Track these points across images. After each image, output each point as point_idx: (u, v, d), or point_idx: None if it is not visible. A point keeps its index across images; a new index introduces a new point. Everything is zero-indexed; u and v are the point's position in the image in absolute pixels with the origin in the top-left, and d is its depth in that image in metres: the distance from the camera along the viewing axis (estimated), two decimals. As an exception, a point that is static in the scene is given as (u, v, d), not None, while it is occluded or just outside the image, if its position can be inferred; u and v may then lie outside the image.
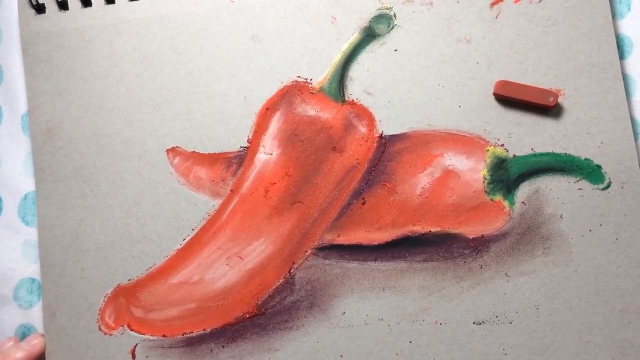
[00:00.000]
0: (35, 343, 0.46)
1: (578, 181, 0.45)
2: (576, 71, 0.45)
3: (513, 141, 0.45)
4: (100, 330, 0.46)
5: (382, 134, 0.46)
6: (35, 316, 0.48)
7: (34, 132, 0.48)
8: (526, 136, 0.45)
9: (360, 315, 0.45)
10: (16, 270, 0.48)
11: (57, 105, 0.48)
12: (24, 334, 0.48)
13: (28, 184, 0.49)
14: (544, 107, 0.45)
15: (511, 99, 0.45)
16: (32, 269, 0.48)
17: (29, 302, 0.48)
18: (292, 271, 0.46)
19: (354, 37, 0.47)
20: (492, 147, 0.46)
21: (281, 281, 0.46)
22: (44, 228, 0.47)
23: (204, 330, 0.46)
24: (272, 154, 0.47)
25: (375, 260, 0.46)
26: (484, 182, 0.45)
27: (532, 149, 0.45)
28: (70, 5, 0.49)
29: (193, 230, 0.47)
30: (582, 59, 0.46)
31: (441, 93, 0.46)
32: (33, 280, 0.48)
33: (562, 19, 0.46)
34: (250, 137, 0.47)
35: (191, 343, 0.46)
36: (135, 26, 0.48)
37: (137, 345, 0.46)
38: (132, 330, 0.46)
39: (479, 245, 0.45)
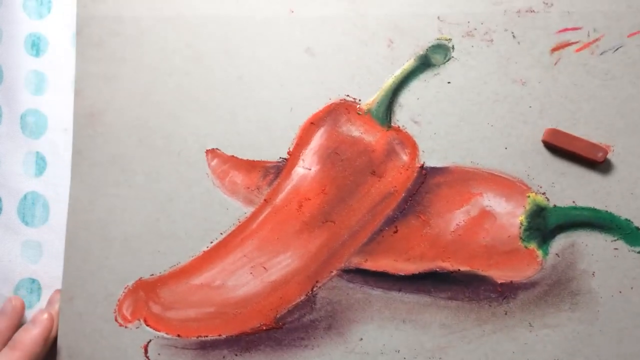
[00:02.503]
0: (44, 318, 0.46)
1: (615, 240, 0.44)
2: (628, 129, 0.45)
3: (555, 190, 0.45)
4: (116, 320, 0.46)
5: (423, 165, 0.46)
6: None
7: (77, 113, 0.48)
8: (569, 187, 0.45)
9: (377, 344, 0.45)
10: (15, 270, 0.48)
11: (103, 90, 0.48)
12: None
13: (27, 184, 0.49)
14: (591, 161, 0.44)
15: (559, 148, 0.45)
16: (31, 269, 0.48)
17: (29, 302, 0.48)
18: (314, 289, 0.46)
19: (408, 63, 0.47)
20: (533, 194, 0.45)
21: (302, 298, 0.46)
22: (73, 211, 0.47)
23: (219, 335, 0.46)
24: (310, 169, 0.47)
25: (399, 290, 0.45)
26: (520, 227, 0.45)
27: (573, 201, 0.45)
28: (129, -8, 0.48)
29: (221, 234, 0.46)
30: (636, 117, 0.45)
31: (489, 132, 0.46)
32: (33, 281, 0.48)
33: (621, 74, 0.45)
34: (291, 149, 0.47)
35: (204, 347, 0.46)
36: (192, 22, 0.48)
37: (150, 341, 0.46)
38: (147, 326, 0.46)
39: (507, 291, 0.44)
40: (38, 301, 0.48)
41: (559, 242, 0.45)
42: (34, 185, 0.49)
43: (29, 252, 0.49)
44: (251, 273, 0.46)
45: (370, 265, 0.46)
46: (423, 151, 0.46)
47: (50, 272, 0.48)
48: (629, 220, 0.44)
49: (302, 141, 0.47)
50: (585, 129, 0.45)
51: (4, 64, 0.49)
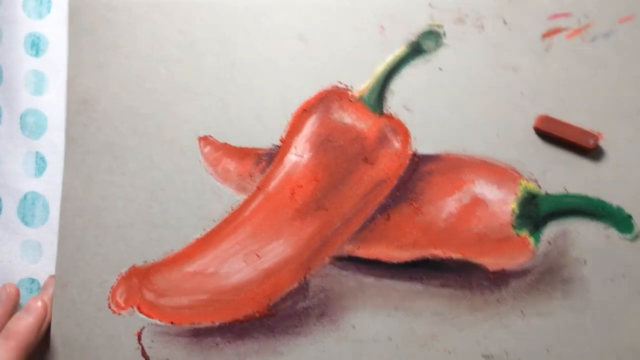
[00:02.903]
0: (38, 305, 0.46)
1: (607, 228, 0.44)
2: (619, 115, 0.45)
3: (547, 178, 0.45)
4: (110, 308, 0.46)
5: (415, 152, 0.46)
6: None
7: (70, 100, 0.48)
8: (561, 175, 0.45)
9: (369, 331, 0.45)
10: (15, 270, 0.48)
11: (96, 77, 0.48)
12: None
13: (27, 184, 0.49)
14: (582, 148, 0.44)
15: (551, 135, 0.45)
16: (31, 269, 0.48)
17: None
18: (307, 277, 0.46)
19: (399, 50, 0.47)
20: (525, 181, 0.45)
21: (295, 285, 0.46)
22: (66, 197, 0.47)
23: (212, 322, 0.46)
24: (302, 156, 0.47)
25: (392, 278, 0.45)
26: (512, 215, 0.45)
27: (565, 189, 0.45)
28: (121, -20, 0.48)
29: (214, 221, 0.47)
30: (627, 104, 0.45)
31: (480, 119, 0.46)
32: (32, 280, 0.48)
33: (612, 61, 0.45)
34: (283, 137, 0.47)
35: (198, 334, 0.46)
36: (184, 9, 0.48)
37: (143, 328, 0.46)
38: (141, 313, 0.46)
39: (499, 279, 0.45)
40: None
41: (551, 230, 0.45)
42: (33, 185, 0.49)
43: (28, 252, 0.49)
44: (244, 260, 0.46)
45: (362, 252, 0.46)
46: (415, 138, 0.46)
47: (50, 272, 0.48)
48: (620, 208, 0.44)
49: (294, 128, 0.47)
50: (576, 116, 0.45)
51: (3, 64, 0.49)
